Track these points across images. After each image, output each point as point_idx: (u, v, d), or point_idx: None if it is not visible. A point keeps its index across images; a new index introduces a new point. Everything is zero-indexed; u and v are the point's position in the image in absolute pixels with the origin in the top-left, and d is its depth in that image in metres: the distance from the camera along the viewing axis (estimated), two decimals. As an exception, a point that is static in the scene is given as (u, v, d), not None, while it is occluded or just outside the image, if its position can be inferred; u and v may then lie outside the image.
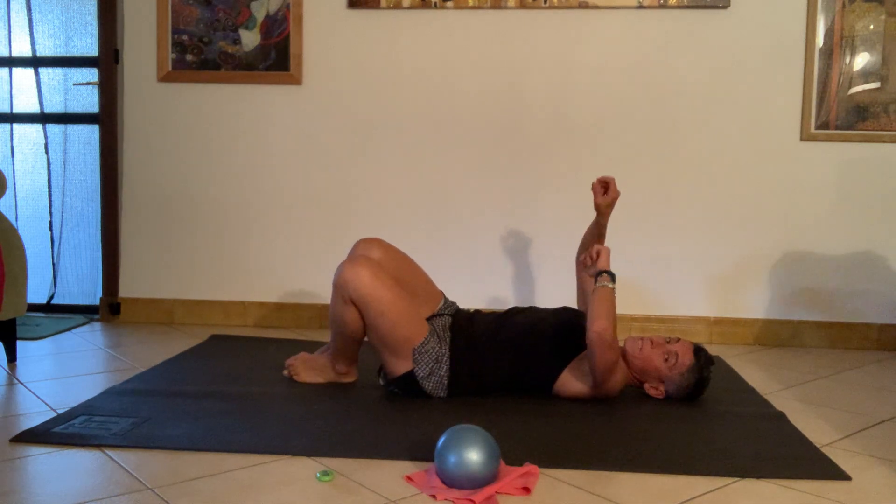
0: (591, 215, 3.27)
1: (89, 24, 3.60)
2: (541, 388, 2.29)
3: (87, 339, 3.07)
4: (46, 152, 3.67)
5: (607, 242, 3.25)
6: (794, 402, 2.35)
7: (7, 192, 3.33)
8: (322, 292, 3.38)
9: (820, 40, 3.14)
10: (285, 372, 2.49)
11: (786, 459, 1.80)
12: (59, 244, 3.71)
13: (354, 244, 2.40)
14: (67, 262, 3.71)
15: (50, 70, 3.65)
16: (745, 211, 3.23)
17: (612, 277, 2.18)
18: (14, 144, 3.70)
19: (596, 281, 2.18)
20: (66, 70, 3.64)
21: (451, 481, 1.58)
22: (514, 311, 2.42)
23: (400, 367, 2.24)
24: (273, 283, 3.41)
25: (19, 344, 2.88)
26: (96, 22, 3.44)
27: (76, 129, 3.65)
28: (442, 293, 2.46)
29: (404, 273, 2.36)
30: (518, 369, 2.28)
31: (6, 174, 3.66)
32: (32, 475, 1.63)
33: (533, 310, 2.42)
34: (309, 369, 2.44)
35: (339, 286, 2.19)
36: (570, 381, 2.25)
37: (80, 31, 3.62)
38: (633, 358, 2.28)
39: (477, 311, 2.45)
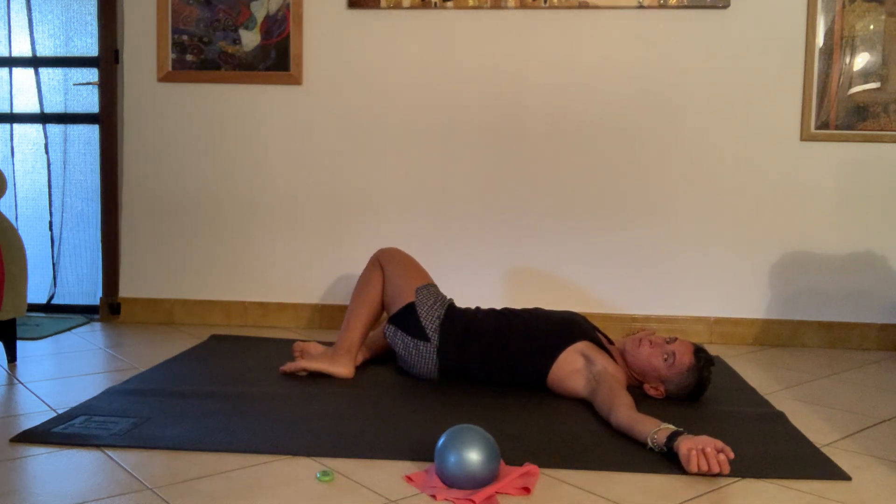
0: (590, 215, 3.28)
1: (89, 24, 3.60)
2: (535, 379, 2.31)
3: (87, 339, 3.07)
4: (46, 152, 3.67)
5: (608, 240, 3.26)
6: (794, 402, 2.35)
7: (7, 192, 3.33)
8: (322, 292, 3.38)
9: (820, 40, 3.14)
10: (295, 360, 2.55)
11: (786, 459, 1.80)
12: (59, 244, 3.71)
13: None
14: (67, 262, 3.71)
15: (50, 70, 3.65)
16: (745, 211, 3.23)
17: (668, 442, 1.78)
18: (14, 144, 3.70)
19: (672, 438, 1.77)
20: (66, 70, 3.64)
21: (451, 481, 1.58)
22: (513, 309, 2.49)
23: (403, 302, 2.42)
24: (273, 283, 3.41)
25: (19, 344, 2.89)
26: (96, 22, 3.44)
27: (76, 129, 3.65)
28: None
29: (417, 265, 2.60)
30: (513, 356, 2.31)
31: (6, 174, 3.67)
32: (32, 475, 1.63)
33: (533, 308, 2.47)
34: (308, 357, 2.53)
35: (375, 254, 2.57)
36: (566, 379, 2.25)
37: (80, 31, 3.62)
38: (633, 358, 2.28)
39: (477, 308, 2.50)
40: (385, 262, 2.52)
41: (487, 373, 2.36)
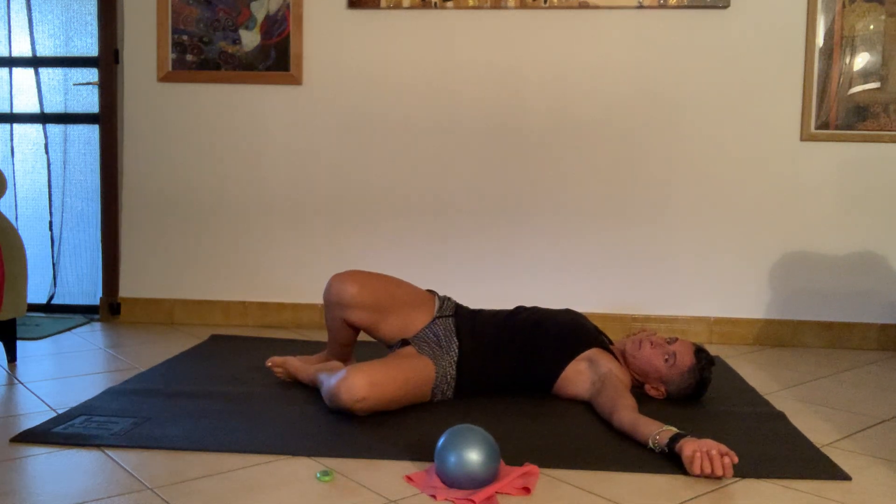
0: (589, 215, 3.28)
1: (89, 24, 3.60)
2: (541, 387, 2.29)
3: (87, 339, 3.07)
4: (46, 152, 3.67)
5: (608, 240, 3.26)
6: (794, 402, 2.35)
7: (7, 192, 3.33)
8: (322, 292, 3.38)
9: (820, 40, 3.14)
10: (268, 363, 2.44)
11: (786, 459, 1.80)
12: (59, 244, 3.71)
13: (327, 283, 2.30)
14: (67, 262, 3.71)
15: (50, 70, 3.65)
16: (746, 211, 3.23)
17: (671, 443, 1.77)
18: (14, 144, 3.70)
19: (675, 439, 1.77)
20: (66, 70, 3.64)
21: (451, 481, 1.58)
22: (519, 310, 2.40)
23: (419, 399, 2.19)
24: (273, 283, 3.41)
25: (19, 344, 2.89)
26: (96, 22, 3.44)
27: (76, 129, 3.65)
28: (433, 295, 2.39)
29: (383, 299, 2.27)
30: (520, 367, 2.28)
31: (6, 174, 3.67)
32: (32, 475, 1.63)
33: (537, 309, 2.40)
34: (293, 373, 2.40)
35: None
36: (570, 383, 2.25)
37: (80, 31, 3.62)
38: (633, 359, 2.27)
39: (480, 310, 2.42)
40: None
41: (493, 386, 2.33)
